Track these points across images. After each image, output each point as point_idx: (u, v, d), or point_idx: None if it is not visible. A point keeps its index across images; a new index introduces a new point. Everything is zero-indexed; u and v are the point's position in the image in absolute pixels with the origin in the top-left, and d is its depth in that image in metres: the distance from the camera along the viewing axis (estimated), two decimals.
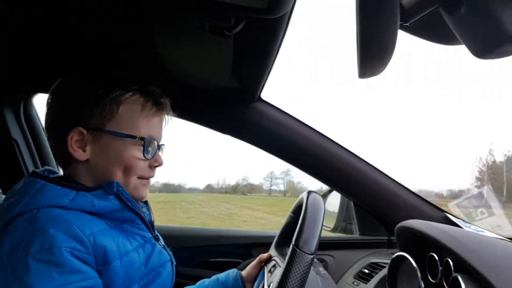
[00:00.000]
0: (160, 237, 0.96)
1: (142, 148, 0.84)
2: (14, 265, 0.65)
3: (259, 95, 1.24)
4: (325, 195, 1.68)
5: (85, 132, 0.80)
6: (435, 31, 0.52)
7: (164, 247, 0.94)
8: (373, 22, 0.40)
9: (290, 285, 0.77)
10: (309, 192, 0.95)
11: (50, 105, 0.84)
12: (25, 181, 0.78)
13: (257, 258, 1.15)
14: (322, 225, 0.87)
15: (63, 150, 0.81)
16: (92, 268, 0.72)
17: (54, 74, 1.15)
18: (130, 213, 0.82)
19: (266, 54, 0.92)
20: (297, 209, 1.13)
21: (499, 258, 0.81)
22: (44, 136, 1.51)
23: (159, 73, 1.03)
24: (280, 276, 0.79)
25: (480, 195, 1.54)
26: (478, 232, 1.20)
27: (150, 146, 0.85)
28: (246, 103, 1.25)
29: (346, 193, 1.46)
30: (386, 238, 1.48)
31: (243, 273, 1.14)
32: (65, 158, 0.83)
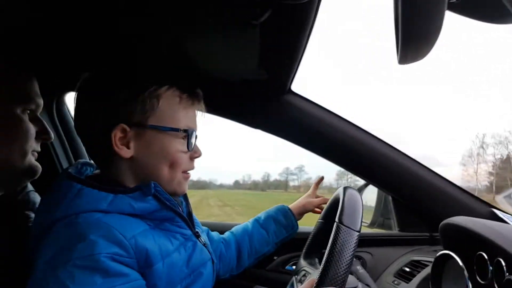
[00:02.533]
0: (201, 233, 0.95)
1: (184, 140, 0.84)
2: (56, 272, 0.65)
3: (289, 87, 1.19)
4: (360, 190, 1.62)
5: (128, 128, 0.79)
6: (486, 10, 0.46)
7: (205, 245, 0.94)
8: (420, 1, 0.35)
9: (337, 263, 0.74)
10: (346, 188, 0.92)
11: (82, 103, 0.83)
12: (60, 185, 0.77)
13: (305, 198, 1.34)
14: (362, 214, 0.85)
15: (106, 148, 0.79)
16: (135, 271, 0.72)
17: (83, 72, 1.17)
18: (169, 212, 0.81)
19: (294, 44, 0.88)
20: (328, 214, 1.10)
21: None
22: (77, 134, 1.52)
23: (185, 67, 1.01)
24: (326, 255, 0.76)
25: None
26: None
27: (191, 138, 0.85)
28: (276, 95, 1.21)
29: (384, 188, 1.39)
30: (428, 234, 1.40)
31: (292, 207, 1.30)
32: (107, 157, 0.81)
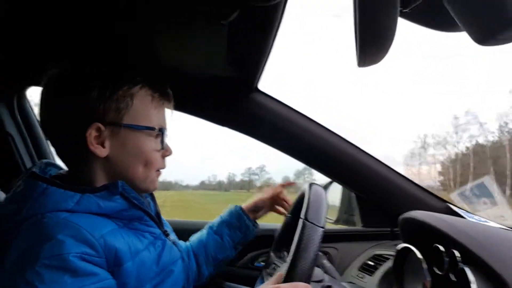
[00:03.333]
0: (170, 232, 0.95)
1: (158, 139, 0.84)
2: (24, 272, 0.63)
3: (256, 86, 1.21)
4: (325, 187, 1.66)
5: (103, 127, 0.77)
6: (435, 18, 0.49)
7: (174, 243, 0.93)
8: (373, 8, 0.37)
9: (303, 258, 0.76)
10: (311, 184, 0.95)
11: (51, 100, 0.80)
12: (26, 184, 0.75)
13: (270, 192, 1.25)
14: (327, 210, 0.87)
15: (79, 147, 0.77)
16: (104, 270, 0.71)
17: (46, 66, 1.14)
18: (137, 211, 0.81)
19: (261, 43, 0.90)
20: (295, 209, 1.13)
21: (507, 248, 0.79)
22: (39, 129, 1.49)
23: (153, 64, 1.01)
24: (293, 250, 0.78)
25: (481, 185, 1.52)
26: (483, 223, 1.19)
27: (164, 136, 0.85)
28: (243, 93, 1.22)
29: (347, 185, 1.43)
30: (389, 229, 1.46)
31: (245, 206, 1.23)
32: (79, 156, 0.79)
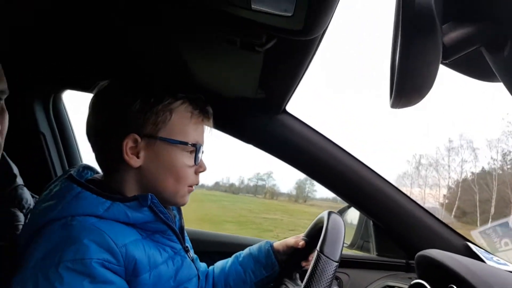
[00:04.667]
0: (190, 248, 0.96)
1: (192, 154, 0.86)
2: (46, 271, 0.66)
3: (285, 108, 1.23)
4: (342, 211, 1.66)
5: (139, 139, 0.81)
6: (475, 68, 0.50)
7: (193, 260, 0.95)
8: (417, 59, 0.39)
9: None
10: (330, 213, 0.95)
11: (98, 109, 0.84)
12: (62, 185, 0.78)
13: (294, 239, 1.15)
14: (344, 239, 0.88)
15: (115, 156, 0.81)
16: (122, 279, 0.73)
17: (85, 72, 1.19)
18: (162, 224, 0.82)
19: (295, 70, 0.91)
20: (311, 232, 1.13)
21: None
22: (71, 131, 1.54)
23: (187, 82, 1.04)
24: (305, 282, 0.79)
25: (505, 225, 1.49)
26: (501, 265, 1.16)
27: (199, 152, 0.87)
28: (271, 114, 1.25)
29: (366, 212, 1.43)
30: (404, 261, 1.44)
31: (276, 246, 1.14)
32: (114, 164, 0.83)
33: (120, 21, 0.84)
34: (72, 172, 0.82)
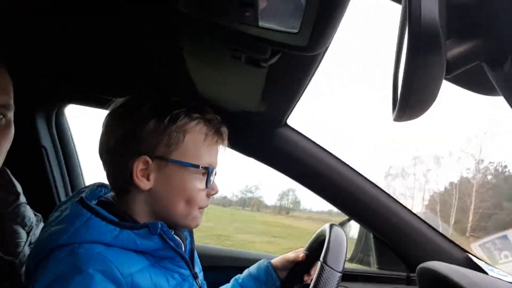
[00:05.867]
0: (199, 274, 0.94)
1: (204, 177, 0.84)
2: None
3: (286, 121, 1.25)
4: (342, 224, 1.66)
5: (150, 161, 0.79)
6: (475, 82, 0.52)
7: (200, 287, 0.92)
8: (422, 75, 0.40)
9: None
10: (332, 225, 0.96)
11: (111, 127, 0.82)
12: (72, 209, 0.77)
13: (294, 253, 1.15)
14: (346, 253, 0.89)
15: (125, 177, 0.79)
16: None
17: (89, 87, 1.20)
18: (171, 251, 0.79)
19: (297, 83, 0.93)
20: (312, 245, 1.14)
21: None
22: (72, 146, 1.54)
23: (191, 96, 1.05)
24: None
25: (504, 238, 1.50)
26: (502, 277, 1.17)
27: (211, 175, 0.85)
28: (272, 128, 1.26)
29: (366, 225, 1.43)
30: (405, 274, 1.44)
31: (275, 262, 1.14)
32: (125, 185, 0.81)
33: (125, 36, 0.86)
34: (83, 194, 0.80)
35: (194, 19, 0.62)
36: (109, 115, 0.83)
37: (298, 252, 1.14)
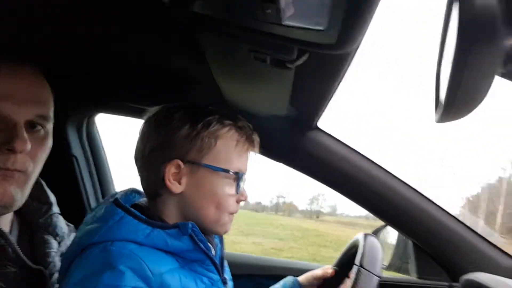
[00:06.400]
0: (229, 280, 0.94)
1: (234, 182, 0.85)
2: None
3: (316, 124, 1.21)
4: (378, 230, 1.59)
5: (182, 165, 0.81)
6: None
7: None
8: (474, 69, 0.35)
9: None
10: (366, 235, 0.92)
11: (146, 134, 0.85)
12: (106, 209, 0.79)
13: (322, 270, 1.15)
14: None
15: (158, 181, 0.81)
16: None
17: (119, 96, 1.21)
18: (201, 254, 0.80)
19: (327, 85, 0.88)
20: (342, 259, 1.10)
21: None
22: (103, 155, 1.56)
23: (217, 101, 1.03)
24: None
25: None
26: None
27: (241, 181, 0.86)
28: (302, 131, 1.22)
29: (404, 232, 1.36)
30: (447, 284, 1.35)
31: (301, 279, 1.15)
32: (157, 189, 0.83)
33: (155, 47, 0.85)
34: (118, 196, 0.83)
35: (214, 20, 0.59)
36: (144, 123, 0.86)
37: (326, 269, 1.15)
